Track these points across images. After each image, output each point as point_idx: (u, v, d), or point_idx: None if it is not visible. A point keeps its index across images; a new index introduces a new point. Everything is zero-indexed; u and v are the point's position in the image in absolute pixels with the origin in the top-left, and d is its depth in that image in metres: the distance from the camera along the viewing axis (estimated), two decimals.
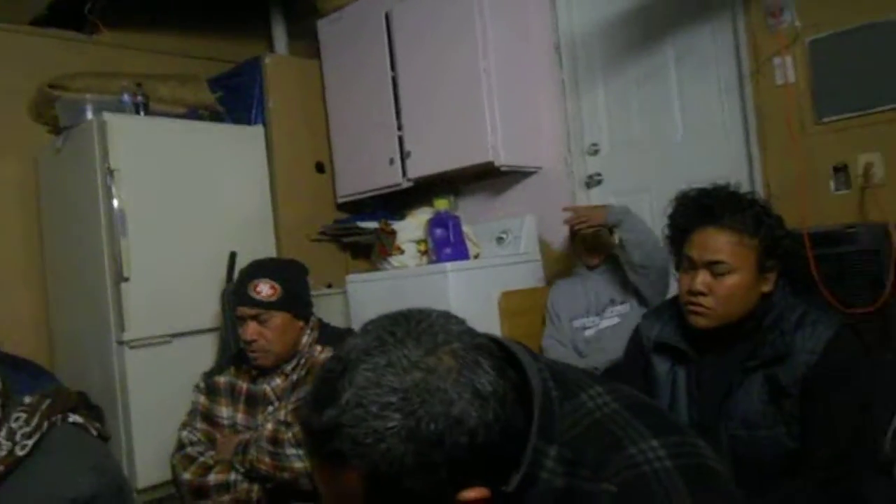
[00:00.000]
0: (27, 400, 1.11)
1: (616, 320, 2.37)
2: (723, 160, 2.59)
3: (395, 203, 3.52)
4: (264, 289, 1.70)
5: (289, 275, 1.76)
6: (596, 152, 3.04)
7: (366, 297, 2.96)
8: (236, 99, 3.60)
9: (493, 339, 0.78)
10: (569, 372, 0.82)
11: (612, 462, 0.72)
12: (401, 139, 3.25)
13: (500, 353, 0.75)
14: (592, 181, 3.03)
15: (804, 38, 2.40)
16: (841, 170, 2.33)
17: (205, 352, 3.02)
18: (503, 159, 2.97)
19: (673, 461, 0.72)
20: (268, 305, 1.69)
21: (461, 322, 0.75)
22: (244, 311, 1.71)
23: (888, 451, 1.77)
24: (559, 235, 2.94)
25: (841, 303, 2.07)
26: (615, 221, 2.34)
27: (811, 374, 1.35)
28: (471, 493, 0.68)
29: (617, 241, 2.38)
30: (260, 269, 1.76)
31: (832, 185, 2.36)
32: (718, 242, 1.44)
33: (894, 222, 2.11)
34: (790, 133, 2.41)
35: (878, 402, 1.54)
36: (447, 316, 0.74)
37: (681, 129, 2.78)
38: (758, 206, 1.47)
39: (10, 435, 1.06)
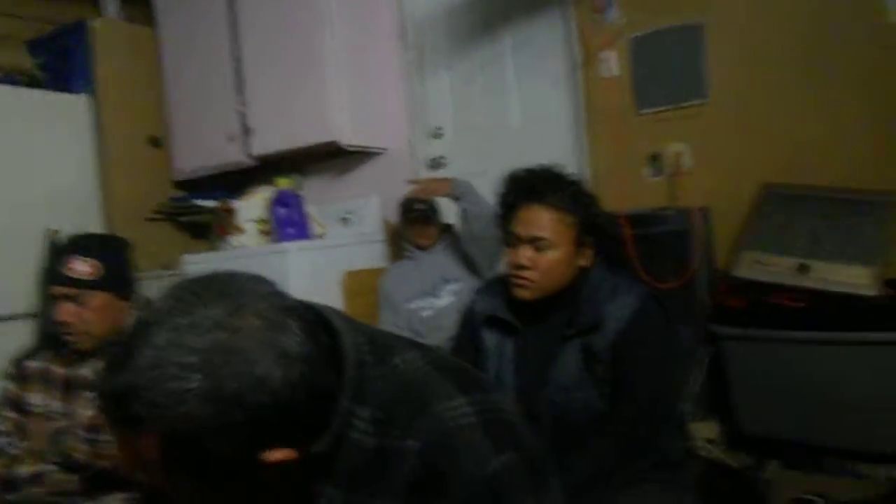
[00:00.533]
0: None
1: (451, 299, 2.45)
2: (556, 146, 2.75)
3: (238, 182, 3.40)
4: (82, 267, 1.58)
5: (109, 251, 1.64)
6: (440, 135, 3.11)
7: None
8: (59, 65, 3.31)
9: (307, 305, 0.79)
10: (385, 337, 0.84)
11: (420, 420, 0.75)
12: (243, 115, 3.15)
13: (313, 318, 0.77)
14: (436, 163, 3.10)
15: (627, 35, 2.60)
16: (655, 158, 2.56)
17: (19, 339, 2.76)
18: (349, 139, 2.96)
19: (477, 417, 0.76)
20: (86, 285, 1.58)
21: (271, 285, 0.74)
22: (60, 290, 1.58)
23: (685, 409, 1.99)
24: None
25: (653, 278, 2.28)
26: (459, 193, 2.42)
27: (619, 339, 1.48)
28: (276, 454, 0.68)
29: (460, 213, 2.46)
30: (77, 245, 1.62)
31: (648, 171, 2.58)
32: (541, 219, 1.53)
33: (698, 207, 2.36)
34: (613, 123, 2.60)
35: (677, 366, 1.72)
36: (257, 279, 0.74)
37: (518, 116, 2.92)
38: (576, 186, 1.58)
39: None
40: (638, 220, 2.34)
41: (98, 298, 1.59)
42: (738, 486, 1.92)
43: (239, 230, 2.86)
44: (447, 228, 2.64)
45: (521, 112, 2.91)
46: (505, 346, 1.63)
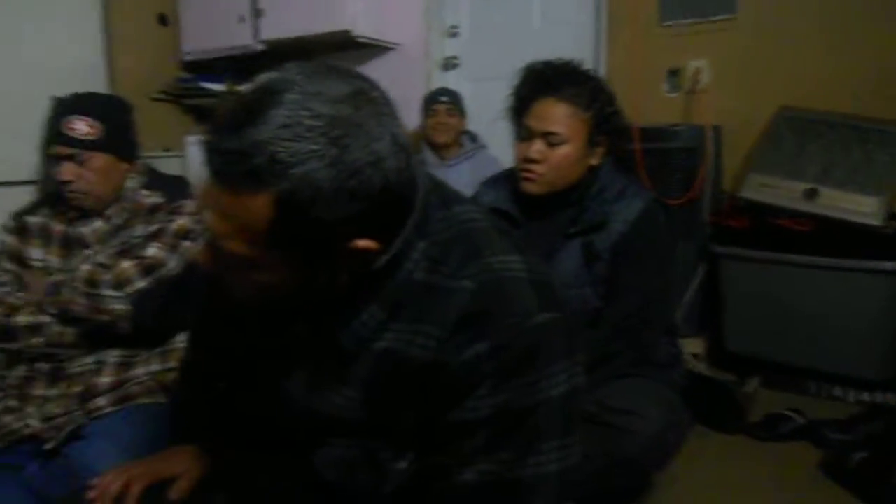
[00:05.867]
0: None
1: None
2: (575, 52, 2.66)
3: (245, 68, 3.31)
4: (81, 127, 1.55)
5: (110, 112, 1.60)
6: (455, 34, 3.02)
7: None
8: None
9: None
10: (446, 186, 0.87)
11: (472, 265, 0.78)
12: None
13: None
14: (449, 64, 3.03)
15: None
16: (674, 73, 2.49)
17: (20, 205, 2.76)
18: (361, 30, 2.87)
19: (527, 274, 0.79)
20: (86, 145, 1.55)
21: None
22: (60, 150, 1.56)
23: (677, 319, 2.01)
24: (414, 118, 2.94)
25: (658, 194, 2.26)
26: None
27: (622, 240, 1.49)
28: (362, 242, 0.72)
29: None
30: (76, 104, 1.58)
31: (666, 86, 2.52)
32: (556, 114, 1.50)
33: (710, 125, 2.31)
34: (635, 33, 2.52)
35: (671, 274, 1.72)
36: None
37: (539, 17, 2.82)
38: (595, 83, 1.55)
39: None
40: (649, 133, 2.31)
41: (98, 159, 1.57)
42: (718, 399, 1.97)
43: None
44: (473, 139, 2.58)
45: (541, 14, 2.82)
46: None
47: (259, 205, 0.67)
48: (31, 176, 2.82)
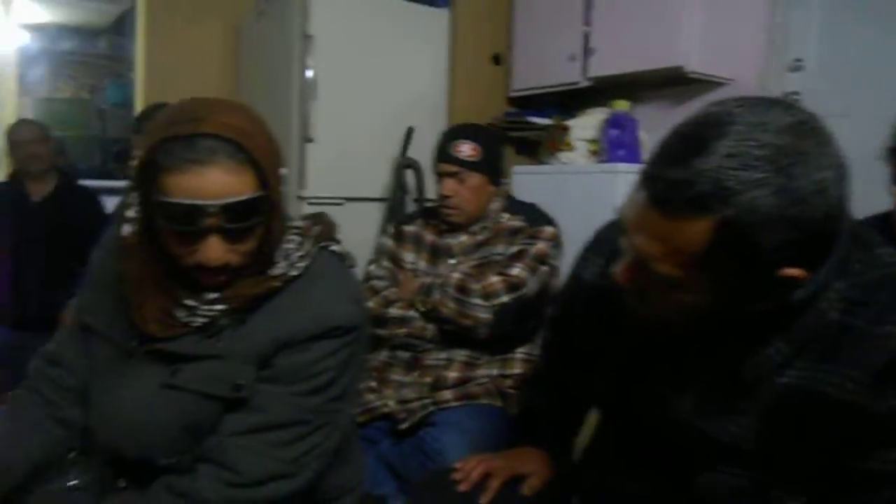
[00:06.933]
0: (298, 223, 1.08)
1: None
2: None
3: (568, 103, 3.48)
4: (466, 149, 1.78)
5: (490, 140, 1.83)
6: (799, 68, 2.84)
7: (530, 189, 2.99)
8: None
9: None
10: (866, 227, 0.85)
11: None
12: (586, 35, 3.18)
13: None
14: (789, 100, 2.85)
15: None
16: None
17: (371, 219, 3.21)
18: (694, 66, 2.84)
19: None
20: (468, 165, 1.78)
21: None
22: (445, 167, 1.81)
23: None
24: None
25: None
26: None
27: None
28: (792, 270, 0.72)
29: None
30: (463, 130, 1.84)
31: None
32: None
33: None
34: None
35: None
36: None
37: None
38: None
39: (286, 255, 1.00)
40: None
41: (475, 179, 1.79)
42: None
43: (570, 147, 2.95)
44: None
45: None
46: None
47: (698, 230, 0.70)
48: (381, 194, 3.28)
